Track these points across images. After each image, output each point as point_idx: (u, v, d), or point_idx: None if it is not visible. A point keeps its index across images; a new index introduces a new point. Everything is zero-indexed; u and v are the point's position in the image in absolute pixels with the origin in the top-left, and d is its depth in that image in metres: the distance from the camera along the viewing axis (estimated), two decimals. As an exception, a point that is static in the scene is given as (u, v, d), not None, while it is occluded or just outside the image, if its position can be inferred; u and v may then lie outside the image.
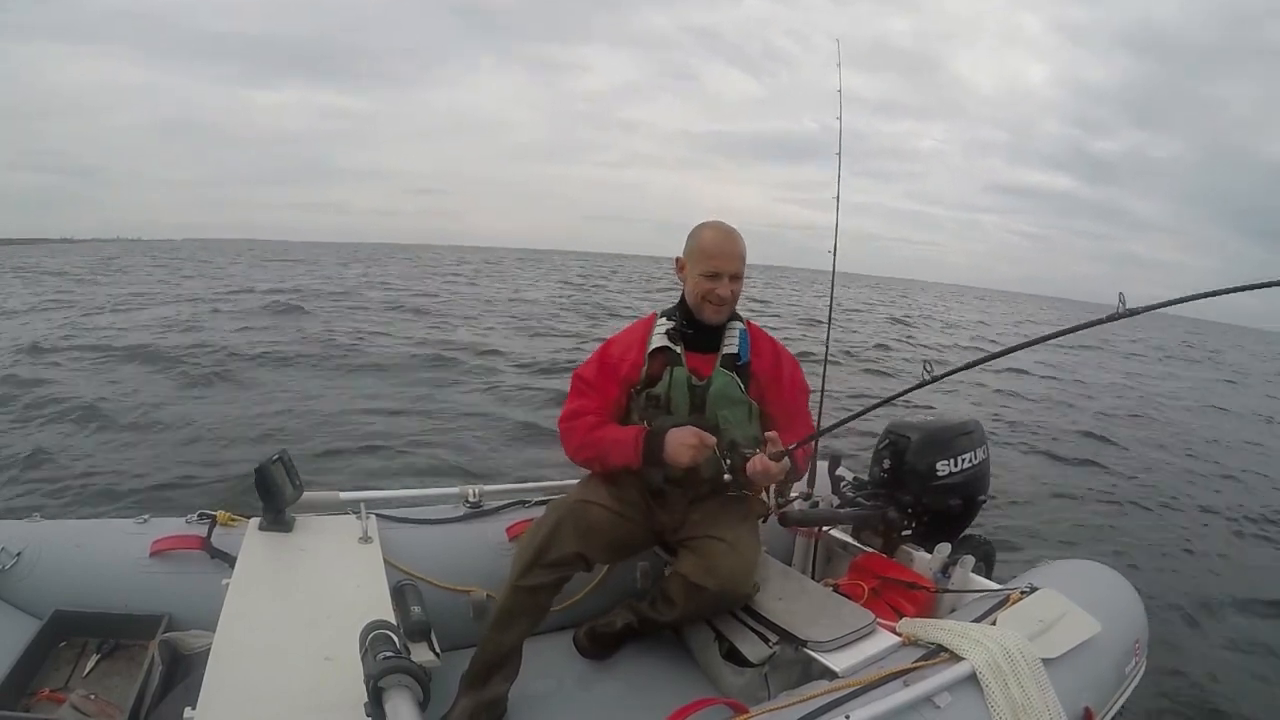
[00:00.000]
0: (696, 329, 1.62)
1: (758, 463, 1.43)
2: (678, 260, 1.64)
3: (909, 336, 14.75)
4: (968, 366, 1.28)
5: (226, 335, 8.43)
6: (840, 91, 2.18)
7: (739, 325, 1.64)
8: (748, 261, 1.60)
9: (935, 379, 1.23)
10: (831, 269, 2.23)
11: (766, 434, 1.48)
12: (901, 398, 1.47)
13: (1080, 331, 1.15)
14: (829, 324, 2.42)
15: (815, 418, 1.88)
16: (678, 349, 1.60)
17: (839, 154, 2.15)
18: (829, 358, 2.27)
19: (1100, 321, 1.09)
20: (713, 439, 1.49)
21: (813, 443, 1.73)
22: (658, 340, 1.62)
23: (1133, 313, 1.03)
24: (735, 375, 1.59)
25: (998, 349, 1.30)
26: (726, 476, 1.49)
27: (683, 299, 1.64)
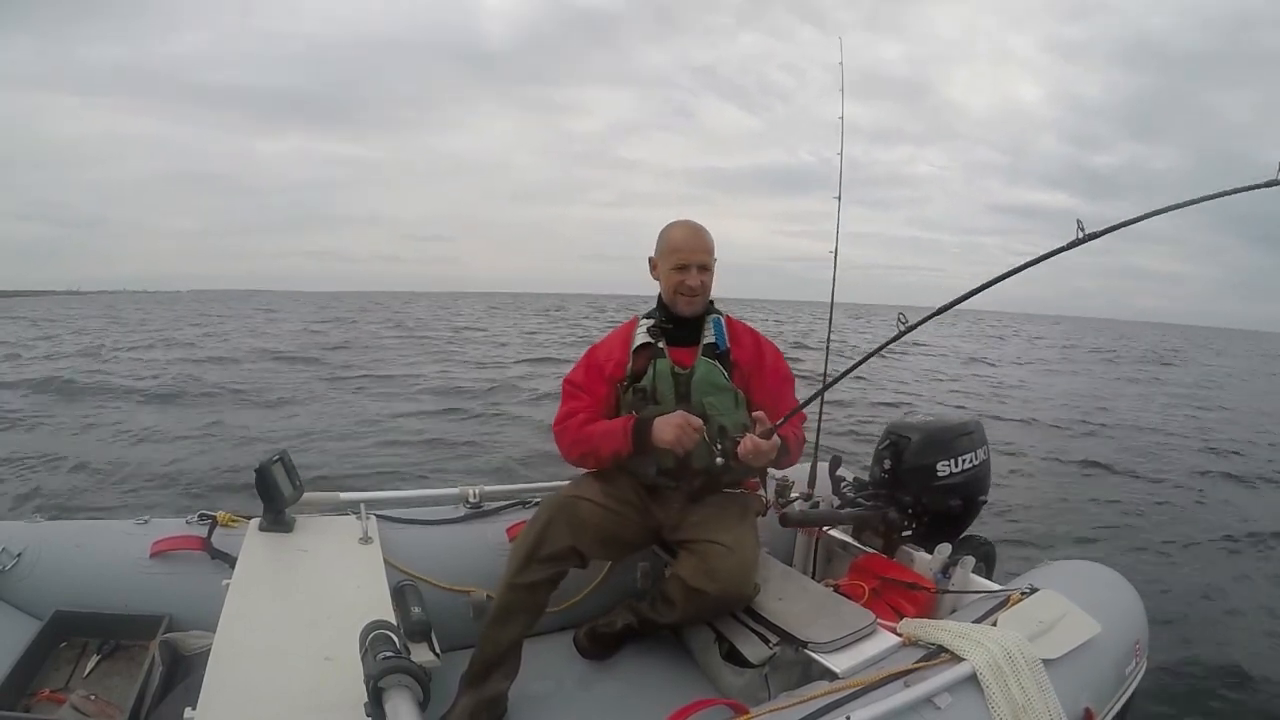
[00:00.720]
0: (675, 323, 1.69)
1: (748, 442, 1.46)
2: (650, 260, 1.72)
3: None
4: (940, 311, 1.31)
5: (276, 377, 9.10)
6: (842, 92, 2.19)
7: (715, 317, 1.71)
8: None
9: (911, 328, 1.28)
10: (833, 267, 2.23)
11: (754, 413, 1.53)
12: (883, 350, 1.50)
13: (1045, 261, 1.21)
14: (829, 328, 2.43)
15: (815, 420, 1.88)
16: (659, 344, 1.67)
17: (840, 154, 2.16)
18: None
19: (1063, 249, 1.15)
20: (699, 421, 1.53)
21: (806, 432, 1.77)
22: (640, 338, 1.69)
23: (1092, 236, 1.11)
24: (717, 363, 1.64)
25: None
26: (719, 460, 1.51)
27: (659, 297, 1.72)
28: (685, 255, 1.63)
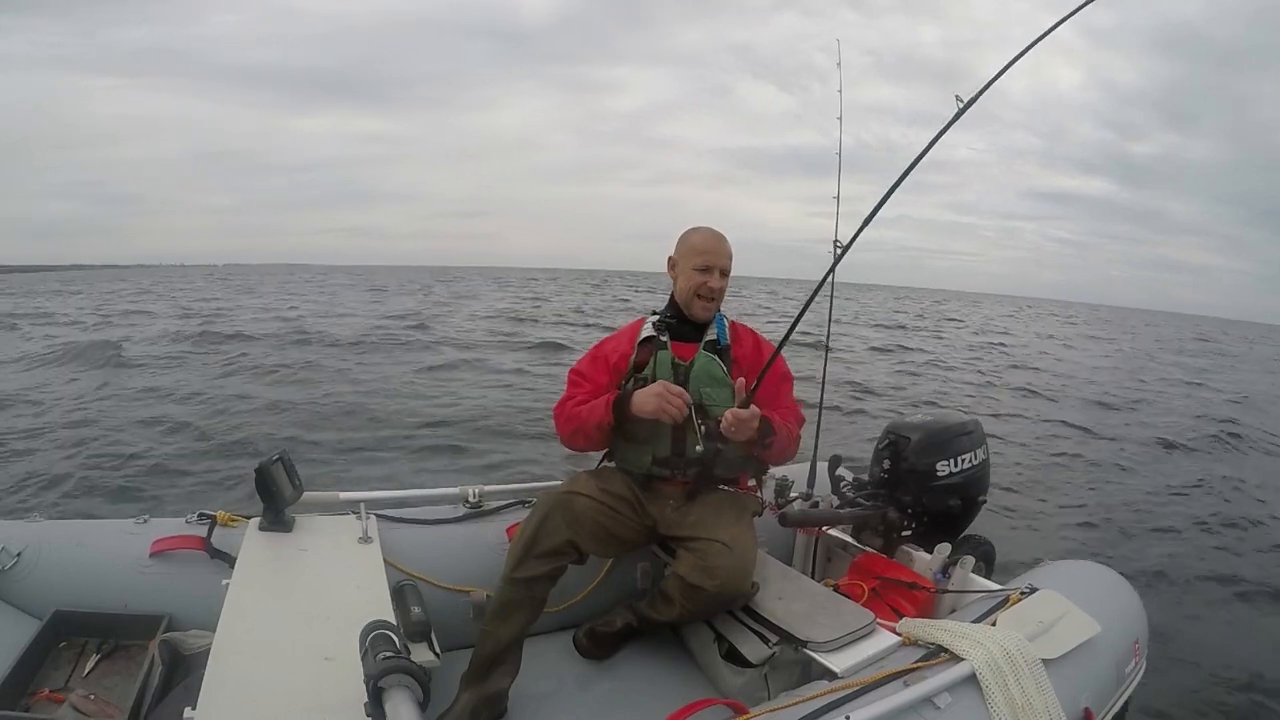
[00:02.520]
0: (681, 321, 1.76)
1: (728, 415, 1.52)
2: (669, 260, 1.77)
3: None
4: (863, 227, 1.52)
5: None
6: (840, 91, 2.20)
7: (718, 315, 1.77)
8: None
9: (845, 248, 1.56)
10: (833, 262, 2.25)
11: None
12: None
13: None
14: (828, 323, 2.43)
15: (816, 416, 1.89)
16: (663, 337, 1.73)
17: (839, 154, 2.17)
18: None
19: (950, 123, 1.39)
20: (681, 389, 1.58)
21: (802, 424, 1.80)
22: (646, 332, 1.76)
23: (971, 102, 1.35)
24: (717, 358, 1.70)
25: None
26: (701, 427, 1.58)
27: (671, 297, 1.79)
28: (709, 258, 1.69)
